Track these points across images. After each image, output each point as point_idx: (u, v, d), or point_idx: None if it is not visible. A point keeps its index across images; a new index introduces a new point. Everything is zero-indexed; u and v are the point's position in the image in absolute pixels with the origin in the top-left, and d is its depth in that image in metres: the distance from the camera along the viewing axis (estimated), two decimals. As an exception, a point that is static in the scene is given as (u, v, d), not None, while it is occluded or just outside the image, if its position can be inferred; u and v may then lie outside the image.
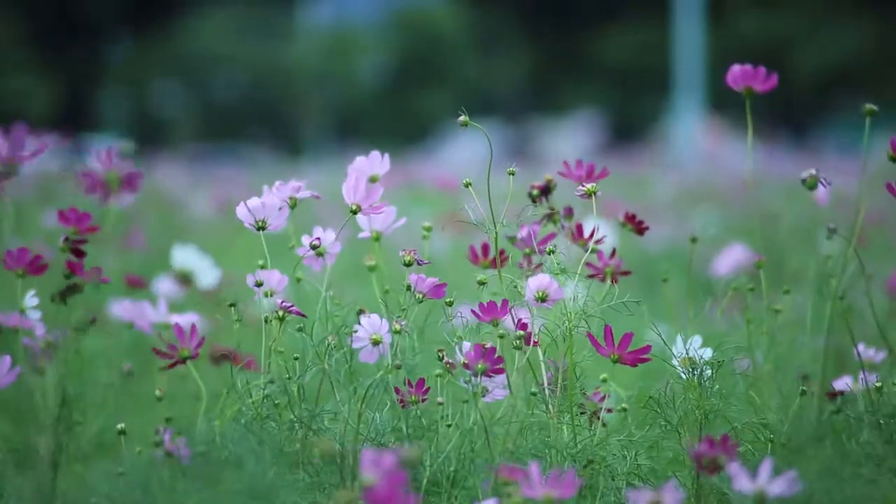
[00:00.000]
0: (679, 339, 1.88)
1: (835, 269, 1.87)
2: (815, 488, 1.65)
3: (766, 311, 2.03)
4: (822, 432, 1.77)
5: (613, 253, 2.05)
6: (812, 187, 1.98)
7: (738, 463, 1.60)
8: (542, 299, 1.85)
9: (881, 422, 1.80)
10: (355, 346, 1.84)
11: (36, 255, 1.92)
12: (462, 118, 1.88)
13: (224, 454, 1.68)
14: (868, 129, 1.94)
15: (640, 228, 2.08)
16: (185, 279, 2.97)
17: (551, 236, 2.04)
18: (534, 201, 2.07)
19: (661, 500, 1.58)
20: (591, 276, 2.01)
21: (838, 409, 1.82)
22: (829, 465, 1.70)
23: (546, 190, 2.08)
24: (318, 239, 1.91)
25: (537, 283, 1.86)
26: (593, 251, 2.04)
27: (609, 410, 1.95)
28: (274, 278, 1.88)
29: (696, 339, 1.87)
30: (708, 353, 1.87)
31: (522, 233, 2.03)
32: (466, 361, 1.79)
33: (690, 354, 1.86)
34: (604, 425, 1.93)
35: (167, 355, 1.88)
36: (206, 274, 2.97)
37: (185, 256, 2.98)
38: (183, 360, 1.88)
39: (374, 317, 1.86)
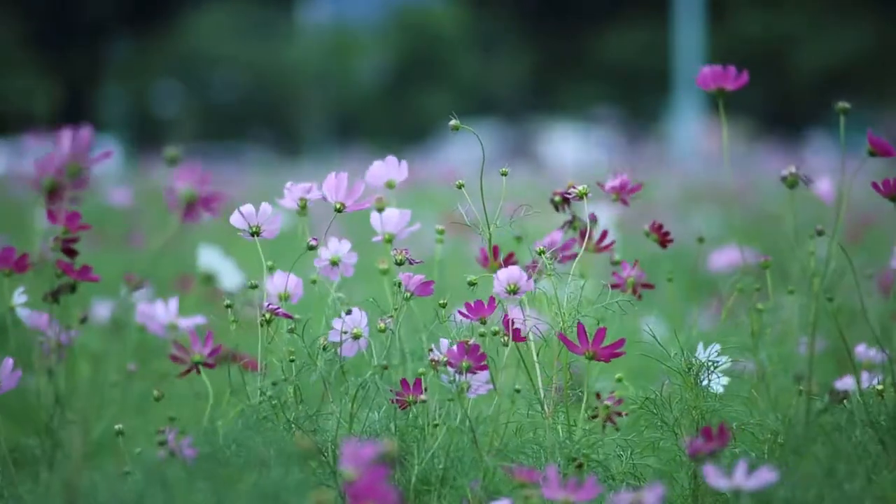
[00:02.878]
0: (678, 339, 1.87)
1: (819, 269, 1.87)
2: (811, 486, 1.65)
3: (763, 311, 2.03)
4: (813, 432, 1.77)
5: (636, 263, 2.04)
6: (793, 185, 1.97)
7: (714, 464, 1.60)
8: (513, 291, 1.84)
9: (882, 422, 1.80)
10: (331, 339, 1.83)
11: (22, 254, 1.92)
12: (453, 122, 1.86)
13: (228, 455, 1.67)
14: (843, 126, 1.94)
15: (664, 240, 2.06)
16: (208, 280, 2.94)
17: (572, 242, 2.03)
18: (556, 208, 2.06)
19: (641, 499, 1.58)
20: (615, 286, 1.99)
21: (826, 408, 1.81)
22: (825, 464, 1.70)
23: (569, 197, 2.06)
24: (314, 239, 1.90)
25: (507, 275, 1.84)
26: (617, 263, 2.04)
27: (620, 414, 1.93)
28: (291, 282, 1.88)
29: (699, 345, 1.87)
30: (706, 354, 1.86)
31: (545, 241, 2.01)
32: (448, 359, 1.78)
33: (688, 355, 1.86)
34: (616, 429, 1.92)
35: (182, 361, 1.87)
36: (230, 275, 2.93)
37: (209, 258, 2.95)
38: (196, 366, 1.86)
39: (356, 312, 1.85)
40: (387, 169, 1.98)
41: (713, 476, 1.57)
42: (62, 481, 1.65)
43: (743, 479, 1.57)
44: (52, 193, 1.90)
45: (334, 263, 1.90)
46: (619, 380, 2.00)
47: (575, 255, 1.97)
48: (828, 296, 1.88)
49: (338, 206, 1.90)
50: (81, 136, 1.91)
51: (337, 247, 1.91)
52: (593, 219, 2.05)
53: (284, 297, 1.87)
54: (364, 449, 1.46)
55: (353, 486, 1.44)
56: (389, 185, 1.98)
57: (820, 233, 1.93)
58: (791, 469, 1.70)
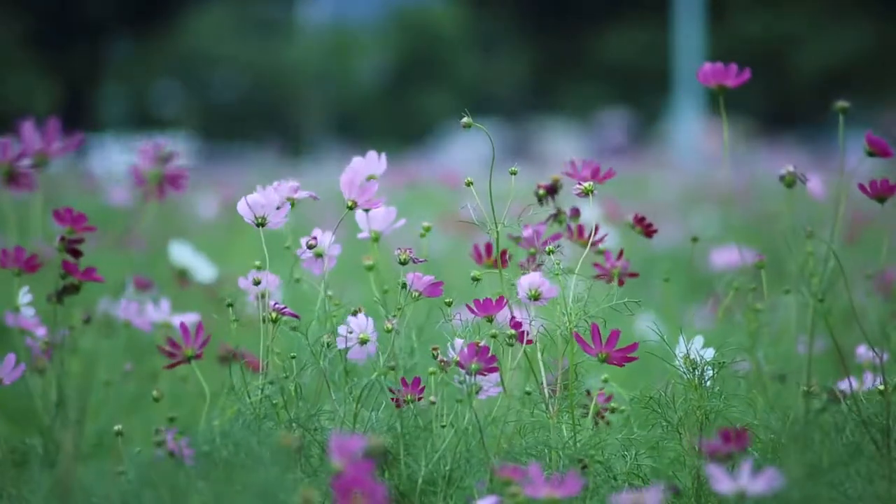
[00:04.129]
0: (680, 339, 1.87)
1: (816, 269, 1.87)
2: (811, 486, 1.65)
3: (761, 311, 2.03)
4: (812, 432, 1.77)
5: (621, 254, 2.04)
6: (790, 185, 1.97)
7: (719, 465, 1.59)
8: (535, 297, 1.85)
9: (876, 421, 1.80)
10: (340, 345, 1.83)
11: (31, 254, 1.92)
12: (465, 120, 1.86)
13: (224, 454, 1.67)
14: (842, 126, 1.94)
15: (648, 231, 2.07)
16: (181, 276, 2.98)
17: (557, 236, 2.03)
18: (540, 201, 2.06)
19: (642, 500, 1.57)
20: (598, 277, 2.00)
21: (824, 408, 1.82)
22: (820, 464, 1.70)
23: (553, 190, 2.07)
24: (315, 239, 1.90)
25: (529, 280, 1.85)
26: (600, 252, 2.04)
27: (612, 410, 1.94)
28: (268, 279, 1.88)
29: (698, 340, 1.86)
30: (709, 354, 1.86)
31: (527, 232, 2.02)
32: (459, 360, 1.78)
33: (691, 355, 1.85)
34: (608, 424, 1.92)
35: (171, 354, 1.86)
36: (203, 271, 2.98)
37: (181, 253, 2.99)
38: (187, 360, 1.86)
39: (361, 316, 1.85)
40: (367, 164, 1.99)
41: (719, 478, 1.55)
42: (55, 481, 1.65)
43: (748, 481, 1.55)
44: (9, 178, 1.98)
45: (318, 255, 1.90)
46: (606, 381, 2.00)
47: (559, 248, 1.96)
48: (820, 297, 1.87)
49: (350, 203, 1.90)
50: (49, 128, 2.00)
51: (321, 239, 1.91)
52: (575, 213, 2.05)
53: (263, 296, 1.87)
54: (351, 442, 1.47)
55: (339, 479, 1.44)
56: (370, 179, 2.00)
57: (810, 234, 1.92)
58: (790, 469, 1.69)
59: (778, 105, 24.68)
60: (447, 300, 1.86)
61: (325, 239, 1.92)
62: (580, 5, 27.48)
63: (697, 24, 18.47)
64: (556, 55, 27.39)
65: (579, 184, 1.93)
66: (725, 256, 3.40)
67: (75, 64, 26.26)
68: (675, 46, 18.87)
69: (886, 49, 25.06)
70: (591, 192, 1.91)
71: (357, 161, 1.99)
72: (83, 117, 23.46)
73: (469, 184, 1.87)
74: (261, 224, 1.88)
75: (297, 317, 1.84)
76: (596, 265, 2.02)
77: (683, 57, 18.50)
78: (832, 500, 1.67)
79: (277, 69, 26.27)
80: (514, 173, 1.89)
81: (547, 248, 1.89)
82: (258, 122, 25.88)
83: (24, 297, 1.95)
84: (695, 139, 17.23)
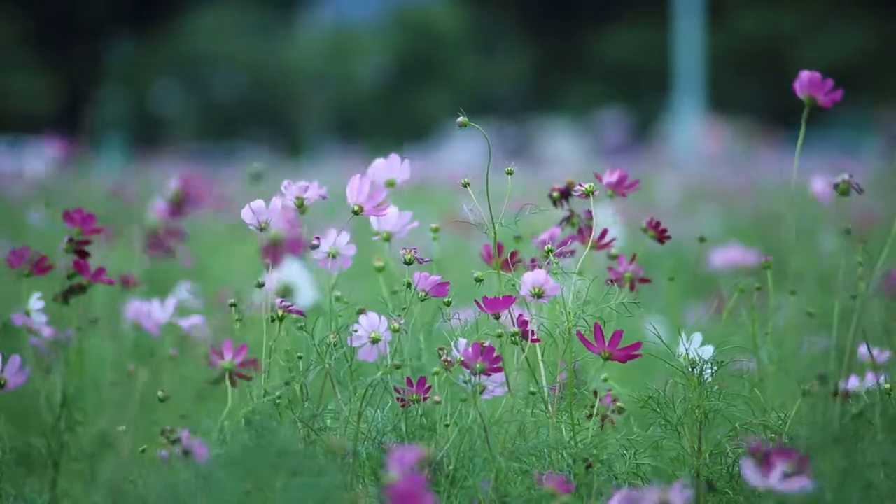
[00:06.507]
0: (681, 338, 1.87)
1: (846, 268, 1.86)
2: (829, 489, 1.65)
3: (770, 311, 2.03)
4: (837, 434, 1.77)
5: (634, 258, 2.04)
6: (844, 193, 1.96)
7: (750, 459, 1.60)
8: (539, 295, 1.84)
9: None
10: (354, 344, 1.83)
11: (41, 256, 1.92)
12: (461, 119, 1.86)
13: (232, 454, 1.67)
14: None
15: (661, 237, 2.06)
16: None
17: (570, 239, 2.03)
18: (555, 204, 2.06)
19: (668, 499, 1.58)
20: (611, 282, 2.00)
21: (861, 412, 1.81)
22: (844, 466, 1.70)
23: (566, 193, 2.06)
24: (318, 238, 1.90)
25: (533, 278, 1.84)
26: (613, 257, 2.04)
27: (619, 411, 1.94)
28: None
29: (697, 338, 1.86)
30: (708, 352, 1.86)
31: (543, 236, 2.02)
32: (464, 360, 1.77)
33: (691, 354, 1.85)
34: (612, 424, 1.92)
35: (214, 364, 1.85)
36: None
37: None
38: (227, 374, 1.85)
39: (373, 315, 1.85)
40: (389, 167, 1.96)
41: (751, 473, 1.57)
42: (107, 481, 1.65)
43: (778, 482, 1.56)
44: (176, 204, 1.92)
45: (332, 256, 1.89)
46: (606, 380, 2.00)
47: (572, 252, 1.97)
48: (852, 294, 1.87)
49: (355, 208, 1.89)
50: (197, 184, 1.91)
51: (335, 239, 1.90)
52: (590, 216, 2.05)
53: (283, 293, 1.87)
54: (408, 455, 1.49)
55: (394, 489, 1.47)
56: (389, 184, 1.97)
57: (848, 231, 1.91)
58: (817, 470, 1.69)
59: (777, 104, 24.67)
60: (446, 300, 1.86)
61: (341, 240, 1.91)
62: (580, 5, 27.47)
63: (697, 23, 18.47)
64: (556, 55, 27.38)
65: (580, 185, 1.93)
66: (727, 256, 3.40)
67: (75, 64, 26.25)
68: (675, 46, 18.87)
69: (886, 49, 25.06)
70: (592, 192, 1.91)
71: (378, 162, 1.97)
72: (83, 117, 23.44)
73: (466, 184, 1.86)
74: (263, 230, 1.87)
75: (303, 315, 1.84)
76: (610, 269, 2.03)
77: (683, 56, 18.50)
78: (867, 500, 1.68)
79: (277, 69, 26.26)
80: (510, 173, 1.88)
81: (546, 248, 1.88)
82: (258, 121, 25.87)
83: (35, 302, 1.94)
84: (695, 139, 17.23)
